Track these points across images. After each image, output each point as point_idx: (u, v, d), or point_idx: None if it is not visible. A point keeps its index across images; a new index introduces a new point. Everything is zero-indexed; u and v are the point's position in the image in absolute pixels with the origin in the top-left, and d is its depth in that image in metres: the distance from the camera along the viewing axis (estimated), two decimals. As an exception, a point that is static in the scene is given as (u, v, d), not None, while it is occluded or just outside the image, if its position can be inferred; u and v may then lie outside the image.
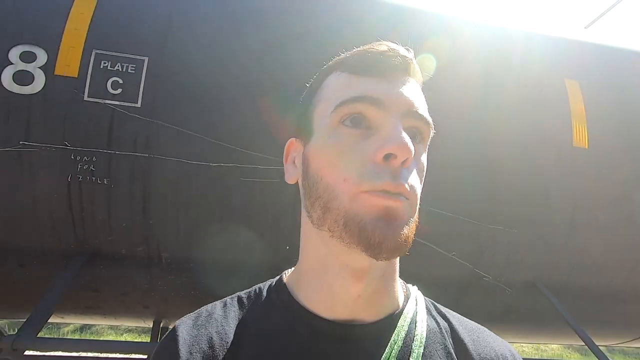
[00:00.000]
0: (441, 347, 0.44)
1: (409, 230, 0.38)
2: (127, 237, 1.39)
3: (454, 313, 0.51)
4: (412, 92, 0.42)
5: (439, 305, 0.51)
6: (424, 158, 0.43)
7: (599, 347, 1.51)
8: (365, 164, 0.38)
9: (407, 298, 0.48)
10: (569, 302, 1.53)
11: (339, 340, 0.42)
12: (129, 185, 1.31)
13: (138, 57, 1.29)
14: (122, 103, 1.26)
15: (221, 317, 0.45)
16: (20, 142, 1.22)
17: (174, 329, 0.44)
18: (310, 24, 1.44)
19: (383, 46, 0.42)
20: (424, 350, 0.43)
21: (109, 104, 1.25)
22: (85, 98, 1.24)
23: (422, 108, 0.42)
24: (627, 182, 1.56)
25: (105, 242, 1.39)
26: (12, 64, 1.21)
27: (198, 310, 0.47)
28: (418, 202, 0.41)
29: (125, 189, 1.31)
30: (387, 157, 0.38)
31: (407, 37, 1.45)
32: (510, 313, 1.68)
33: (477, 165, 1.53)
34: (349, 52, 0.44)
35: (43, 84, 1.22)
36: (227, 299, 0.49)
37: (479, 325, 0.50)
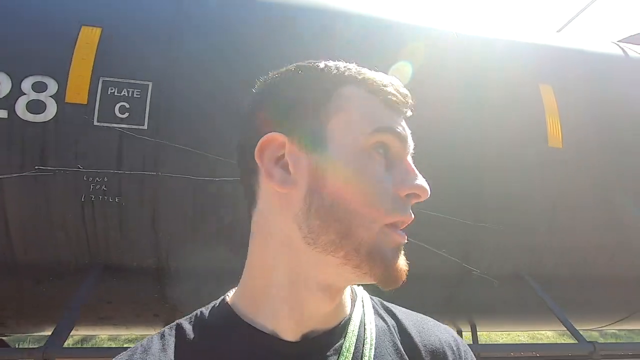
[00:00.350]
0: (391, 344, 0.45)
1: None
2: (138, 250, 1.48)
3: (400, 307, 0.52)
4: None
5: (385, 302, 0.52)
6: None
7: (586, 330, 1.64)
8: (394, 196, 0.40)
9: (353, 301, 0.48)
10: (553, 292, 1.65)
11: (298, 357, 0.41)
12: (139, 202, 1.40)
13: (142, 83, 1.38)
14: (130, 126, 1.35)
15: (159, 351, 0.41)
16: (36, 167, 1.30)
17: None
18: (298, 49, 1.55)
19: (402, 87, 0.44)
20: (374, 351, 0.43)
21: (117, 127, 1.34)
22: (95, 123, 1.33)
23: None
24: (598, 177, 1.70)
25: (118, 255, 1.47)
26: (25, 94, 1.30)
27: (133, 347, 0.43)
28: None
29: (135, 206, 1.40)
30: (410, 195, 0.40)
31: (391, 49, 1.57)
32: (500, 304, 1.80)
33: (461, 169, 1.65)
34: (370, 74, 0.43)
35: (55, 112, 1.31)
36: (166, 329, 0.44)
37: (424, 316, 0.52)
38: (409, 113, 0.44)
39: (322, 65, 0.43)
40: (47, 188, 1.32)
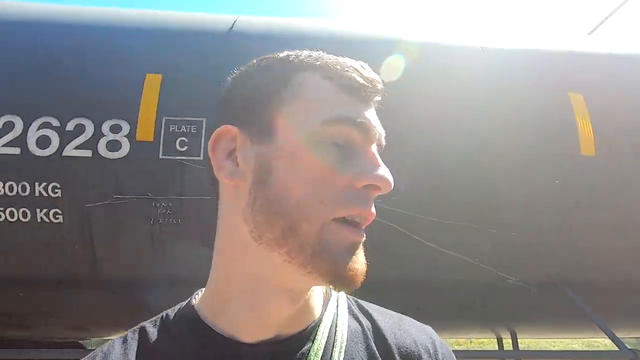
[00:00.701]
0: (363, 347, 0.43)
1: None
2: (197, 264, 1.69)
3: (379, 308, 0.49)
4: (378, 120, 0.42)
5: (362, 303, 0.49)
6: None
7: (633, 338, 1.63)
8: (345, 188, 0.37)
9: (326, 302, 0.46)
10: (589, 299, 1.67)
11: None
12: (198, 222, 1.60)
13: (197, 119, 1.59)
14: (189, 157, 1.56)
15: (120, 356, 0.40)
16: (115, 196, 1.54)
17: None
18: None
19: (367, 71, 0.41)
20: (344, 355, 0.41)
21: (178, 159, 1.56)
22: (160, 157, 1.56)
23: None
24: (633, 184, 1.70)
25: (181, 269, 1.69)
26: (104, 135, 1.55)
27: (92, 352, 0.42)
28: None
29: (194, 226, 1.60)
30: (368, 186, 0.37)
31: (419, 66, 1.67)
32: (536, 312, 1.83)
33: (491, 179, 1.72)
34: (330, 59, 0.41)
35: (128, 149, 1.55)
36: (129, 333, 0.43)
37: (403, 316, 0.49)
38: (377, 98, 0.41)
39: (282, 54, 0.42)
40: (124, 214, 1.56)
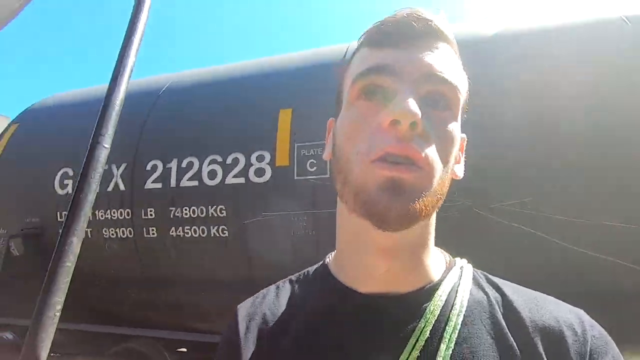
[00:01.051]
0: (487, 316, 0.42)
1: (421, 204, 0.37)
2: (331, 271, 1.88)
3: (512, 284, 0.47)
4: (435, 55, 0.40)
5: (492, 277, 0.49)
6: (452, 126, 0.41)
7: None
8: (375, 133, 0.39)
9: (449, 269, 0.47)
10: None
11: (373, 313, 0.43)
12: (329, 234, 1.80)
13: (323, 142, 1.81)
14: (318, 177, 1.79)
15: (274, 298, 0.51)
16: (263, 214, 1.88)
17: (236, 310, 0.51)
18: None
19: (403, 13, 0.41)
20: (464, 319, 0.41)
21: (310, 179, 1.80)
22: (295, 178, 1.83)
23: (447, 71, 0.40)
24: None
25: (317, 275, 1.91)
26: (252, 164, 1.91)
27: (257, 294, 0.53)
28: (438, 173, 0.39)
29: (326, 237, 1.81)
30: (393, 123, 0.37)
31: (571, 49, 1.55)
32: None
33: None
34: (375, 24, 0.43)
35: (270, 174, 1.87)
36: (280, 282, 0.54)
37: (544, 295, 0.46)
38: (417, 36, 0.40)
39: None
40: (271, 227, 1.87)
